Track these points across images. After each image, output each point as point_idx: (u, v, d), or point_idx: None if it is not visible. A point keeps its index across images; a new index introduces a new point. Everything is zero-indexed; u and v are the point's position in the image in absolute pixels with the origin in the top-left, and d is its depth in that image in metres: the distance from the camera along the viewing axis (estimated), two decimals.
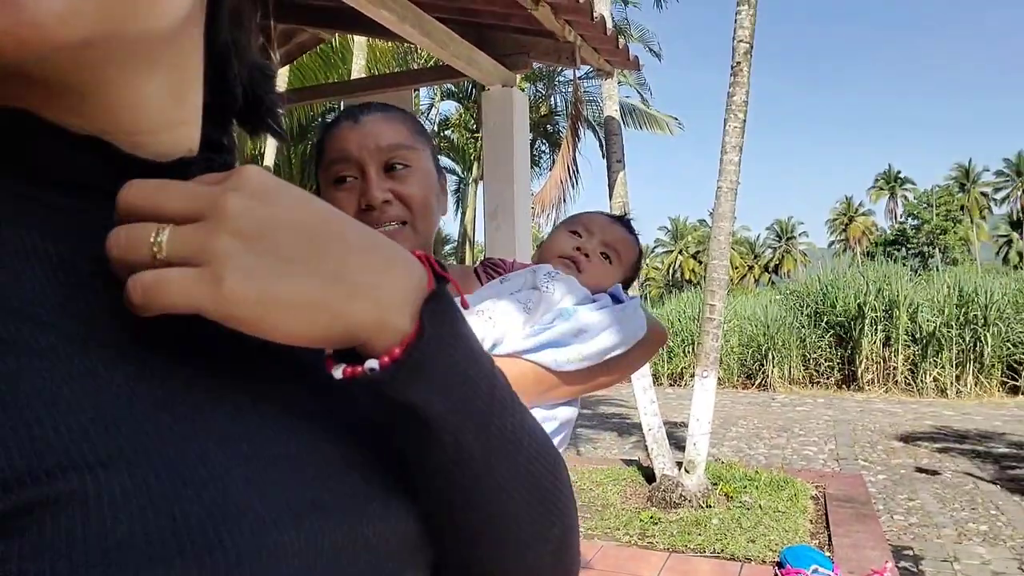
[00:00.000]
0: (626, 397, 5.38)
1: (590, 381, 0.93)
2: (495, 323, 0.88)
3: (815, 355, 11.26)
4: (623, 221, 1.15)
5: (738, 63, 4.59)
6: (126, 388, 0.31)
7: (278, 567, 0.31)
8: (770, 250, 61.58)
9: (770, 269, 57.56)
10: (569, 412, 0.95)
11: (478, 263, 1.16)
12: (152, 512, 0.28)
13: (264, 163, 8.17)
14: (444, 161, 19.89)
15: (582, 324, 0.89)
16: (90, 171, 0.35)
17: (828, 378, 11.18)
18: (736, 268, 46.52)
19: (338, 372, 0.35)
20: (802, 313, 11.60)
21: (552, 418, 0.92)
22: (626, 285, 1.09)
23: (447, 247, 21.34)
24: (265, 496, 0.32)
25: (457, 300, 0.40)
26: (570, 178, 7.33)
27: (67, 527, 0.26)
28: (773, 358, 11.29)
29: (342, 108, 1.10)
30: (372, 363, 0.35)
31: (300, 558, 0.32)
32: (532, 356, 0.88)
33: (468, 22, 3.89)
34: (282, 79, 6.58)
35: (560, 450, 0.93)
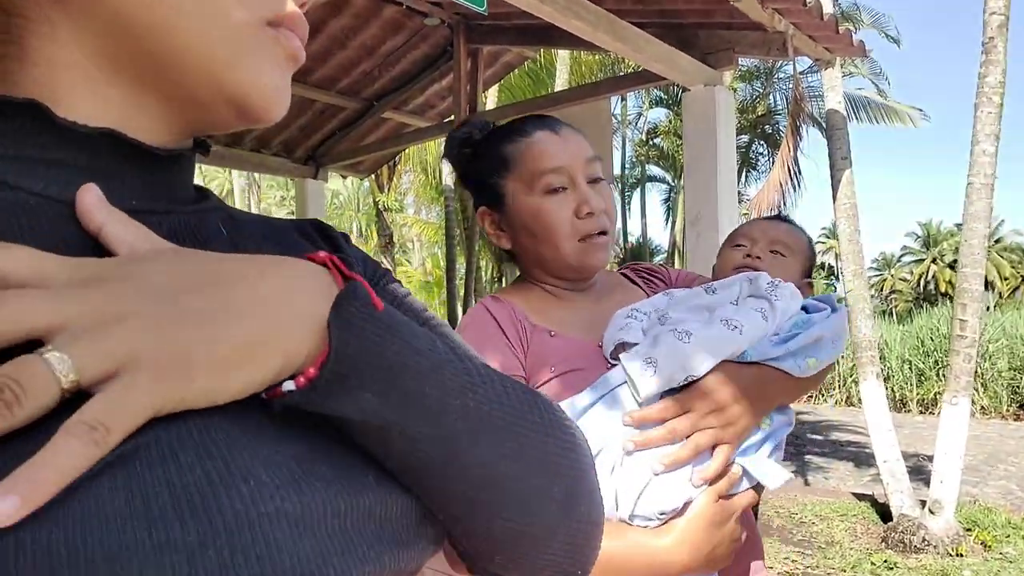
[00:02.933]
0: (863, 423, 4.74)
1: (812, 387, 0.95)
2: (742, 333, 0.88)
3: None
4: (780, 217, 1.17)
5: (991, 39, 3.92)
6: None
7: (278, 532, 0.30)
8: None
9: None
10: (791, 416, 0.96)
11: (624, 266, 1.13)
12: (150, 477, 0.28)
13: (444, 182, 8.59)
14: (653, 170, 19.52)
15: (820, 333, 0.92)
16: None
17: None
18: (1006, 279, 39.78)
19: (263, 393, 0.34)
20: None
21: (788, 423, 0.93)
22: (808, 272, 1.12)
23: (657, 258, 20.82)
24: (267, 464, 0.32)
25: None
26: (790, 180, 6.77)
27: (63, 494, 0.27)
28: None
29: (506, 120, 1.18)
30: (289, 384, 0.33)
31: (301, 524, 0.32)
32: (778, 363, 0.89)
33: (668, 24, 3.76)
34: (491, 99, 6.90)
35: (778, 456, 0.92)
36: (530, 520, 0.42)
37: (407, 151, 10.42)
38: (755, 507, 0.97)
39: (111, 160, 0.38)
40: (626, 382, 0.87)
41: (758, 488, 0.91)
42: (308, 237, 0.51)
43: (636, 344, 0.90)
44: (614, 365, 0.91)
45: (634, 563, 0.81)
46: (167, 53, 0.37)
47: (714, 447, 0.84)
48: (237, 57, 0.38)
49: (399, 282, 0.54)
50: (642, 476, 0.82)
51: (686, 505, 0.83)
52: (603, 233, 0.98)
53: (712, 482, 0.84)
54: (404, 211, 18.16)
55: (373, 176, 8.65)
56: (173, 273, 0.32)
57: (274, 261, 0.36)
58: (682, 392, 0.86)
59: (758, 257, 1.07)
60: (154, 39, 0.37)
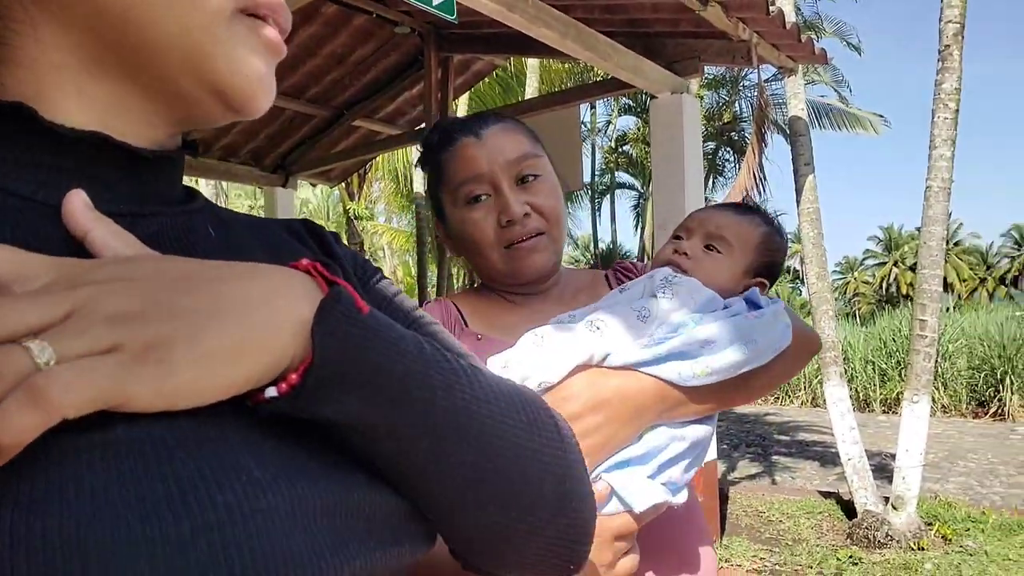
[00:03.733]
0: (828, 424, 4.85)
1: (723, 398, 0.83)
2: (603, 334, 0.79)
3: None
4: (732, 205, 1.03)
5: (947, 46, 4.06)
6: None
7: (270, 526, 0.31)
8: (1007, 260, 53.53)
9: (1007, 282, 49.98)
10: (701, 431, 0.84)
11: (609, 268, 1.09)
12: (143, 471, 0.29)
13: (415, 189, 8.50)
14: (623, 177, 19.73)
15: (710, 334, 0.79)
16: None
17: None
18: (964, 281, 40.96)
19: (248, 400, 0.34)
20: None
21: (680, 438, 0.81)
22: (767, 273, 0.97)
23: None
24: (260, 461, 0.33)
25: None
26: (756, 186, 6.90)
27: (59, 485, 0.27)
28: (1012, 383, 9.71)
29: (440, 122, 1.10)
30: (271, 391, 0.34)
31: (292, 518, 0.32)
32: (652, 369, 0.79)
33: (636, 33, 3.83)
34: (462, 107, 6.93)
35: (692, 473, 0.84)
36: (517, 518, 0.42)
37: (377, 159, 10.37)
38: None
39: (98, 163, 0.38)
40: None
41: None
42: (298, 236, 0.51)
43: None
44: None
45: None
46: (147, 46, 0.37)
47: None
48: (216, 46, 0.38)
49: (389, 280, 0.54)
50: None
51: None
52: (539, 235, 0.94)
53: None
54: (375, 219, 18.07)
55: (343, 184, 8.62)
56: (158, 274, 0.32)
57: (257, 268, 0.36)
58: None
59: (685, 253, 0.95)
60: (134, 33, 0.37)
